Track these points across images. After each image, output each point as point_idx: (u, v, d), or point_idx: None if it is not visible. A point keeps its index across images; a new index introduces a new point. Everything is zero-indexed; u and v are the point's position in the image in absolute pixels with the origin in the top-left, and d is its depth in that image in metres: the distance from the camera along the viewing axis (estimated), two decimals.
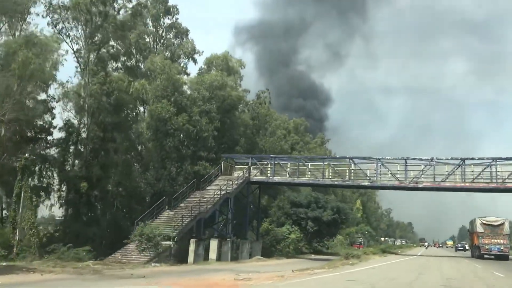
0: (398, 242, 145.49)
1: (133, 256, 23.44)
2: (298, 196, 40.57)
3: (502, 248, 38.58)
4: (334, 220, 39.27)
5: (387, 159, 31.51)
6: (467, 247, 70.28)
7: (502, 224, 39.70)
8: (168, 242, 24.12)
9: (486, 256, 39.10)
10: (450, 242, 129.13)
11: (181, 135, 34.28)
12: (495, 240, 38.67)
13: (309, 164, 33.86)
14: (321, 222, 38.75)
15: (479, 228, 39.69)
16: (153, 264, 22.14)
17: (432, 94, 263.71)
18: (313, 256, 38.79)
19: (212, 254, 27.16)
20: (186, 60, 44.58)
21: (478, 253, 40.09)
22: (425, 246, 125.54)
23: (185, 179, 33.10)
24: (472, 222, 43.73)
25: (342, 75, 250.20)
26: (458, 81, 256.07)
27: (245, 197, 33.70)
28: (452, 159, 30.78)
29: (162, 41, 44.60)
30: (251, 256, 31.98)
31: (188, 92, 38.57)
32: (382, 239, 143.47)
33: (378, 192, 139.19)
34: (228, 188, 28.94)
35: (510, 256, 40.82)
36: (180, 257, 25.36)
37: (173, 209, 27.87)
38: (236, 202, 32.45)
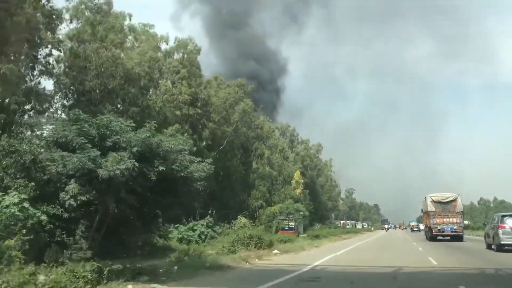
0: (359, 226, 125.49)
1: None
2: (67, 125, 16.42)
3: (455, 227, 35.84)
4: (143, 176, 15.28)
5: None
6: (421, 228, 68.33)
7: (454, 200, 36.31)
8: None
9: (439, 237, 37.03)
10: (413, 223, 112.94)
11: None
12: (448, 219, 36.02)
13: None
14: (101, 184, 14.93)
15: (430, 207, 36.66)
16: None
17: (397, 73, 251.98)
18: None
19: None
20: None
21: (430, 235, 37.57)
22: (385, 229, 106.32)
23: None
24: (424, 201, 39.67)
25: (303, 49, 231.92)
26: (423, 61, 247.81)
27: None
28: None
29: None
30: None
31: None
32: (341, 222, 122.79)
33: (334, 168, 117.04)
34: None
35: (465, 236, 38.92)
36: None
37: None
38: None
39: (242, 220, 34.40)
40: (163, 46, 39.80)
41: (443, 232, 36.26)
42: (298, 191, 65.65)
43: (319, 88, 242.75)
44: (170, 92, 34.23)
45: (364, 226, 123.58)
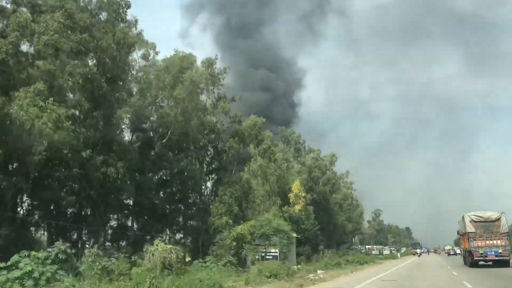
0: (386, 251, 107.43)
1: None
2: None
3: (500, 251, 31.41)
4: None
5: None
6: (458, 252, 64.63)
7: (498, 219, 32.03)
8: None
9: (481, 262, 32.96)
10: (448, 247, 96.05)
11: None
12: (491, 242, 31.82)
13: None
14: None
15: (469, 228, 32.52)
16: None
17: (424, 89, 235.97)
18: None
19: None
20: None
21: (471, 260, 32.99)
22: (417, 254, 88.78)
23: None
24: (461, 221, 35.47)
25: (323, 68, 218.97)
26: (450, 78, 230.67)
27: None
28: None
29: None
30: None
31: None
32: (367, 247, 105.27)
33: (356, 186, 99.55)
34: None
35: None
36: None
37: None
38: None
39: (160, 247, 19.42)
40: None
41: (485, 256, 32.07)
42: (297, 207, 50.18)
43: (342, 108, 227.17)
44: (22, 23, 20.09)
45: (393, 252, 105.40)
